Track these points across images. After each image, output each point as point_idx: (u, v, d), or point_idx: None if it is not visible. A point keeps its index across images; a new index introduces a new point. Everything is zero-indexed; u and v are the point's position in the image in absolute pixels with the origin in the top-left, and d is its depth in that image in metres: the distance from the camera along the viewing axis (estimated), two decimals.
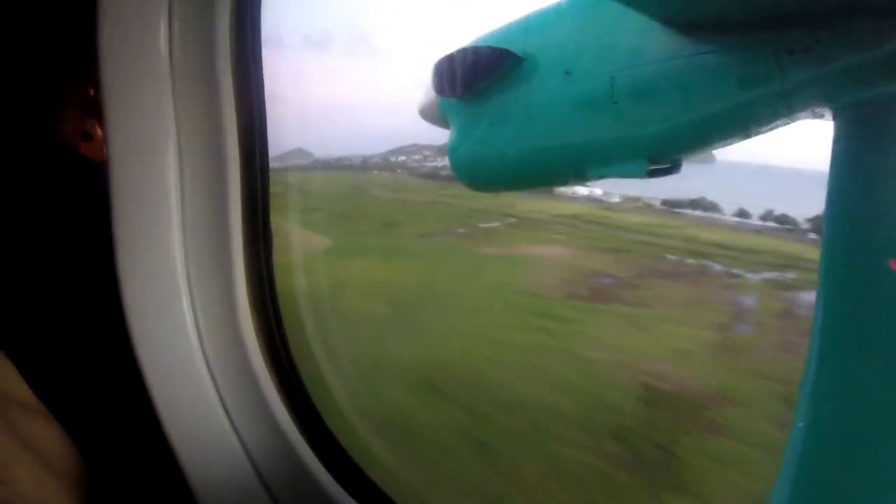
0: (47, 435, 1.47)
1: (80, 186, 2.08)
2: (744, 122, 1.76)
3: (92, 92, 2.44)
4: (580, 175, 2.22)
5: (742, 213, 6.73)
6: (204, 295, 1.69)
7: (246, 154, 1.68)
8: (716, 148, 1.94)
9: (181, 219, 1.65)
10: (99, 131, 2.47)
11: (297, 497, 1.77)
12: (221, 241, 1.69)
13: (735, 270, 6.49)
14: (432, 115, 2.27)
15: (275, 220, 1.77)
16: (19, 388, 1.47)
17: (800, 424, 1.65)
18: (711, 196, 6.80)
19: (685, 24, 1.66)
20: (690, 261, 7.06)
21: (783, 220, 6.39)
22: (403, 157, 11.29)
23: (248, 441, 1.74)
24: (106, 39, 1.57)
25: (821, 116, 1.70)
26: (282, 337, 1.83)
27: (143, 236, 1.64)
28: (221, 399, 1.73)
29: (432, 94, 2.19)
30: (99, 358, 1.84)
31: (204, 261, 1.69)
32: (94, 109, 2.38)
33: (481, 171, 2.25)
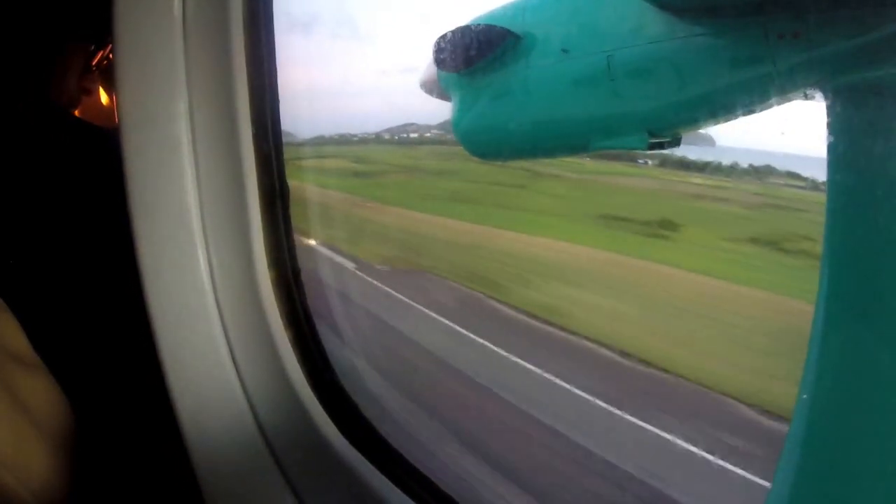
0: (41, 392, 1.43)
1: (87, 149, 2.14)
2: (737, 102, 1.79)
3: (100, 55, 2.50)
4: (582, 146, 2.28)
5: None
6: (220, 249, 1.71)
7: (258, 112, 1.70)
8: (713, 124, 1.99)
9: (195, 176, 1.68)
10: (100, 90, 2.53)
11: (303, 457, 1.76)
12: (237, 196, 1.70)
13: None
14: (434, 88, 2.34)
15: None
16: (18, 343, 1.43)
17: (804, 396, 1.70)
18: None
19: (679, 7, 1.70)
20: None
21: None
22: (416, 134, 11.18)
23: (255, 398, 1.74)
24: (120, 2, 1.60)
25: (812, 98, 1.74)
26: (300, 292, 1.84)
27: (158, 195, 1.67)
28: (232, 353, 1.74)
29: (433, 68, 2.26)
30: (110, 319, 1.90)
31: (220, 215, 1.71)
32: (95, 66, 2.44)
33: (484, 142, 2.32)
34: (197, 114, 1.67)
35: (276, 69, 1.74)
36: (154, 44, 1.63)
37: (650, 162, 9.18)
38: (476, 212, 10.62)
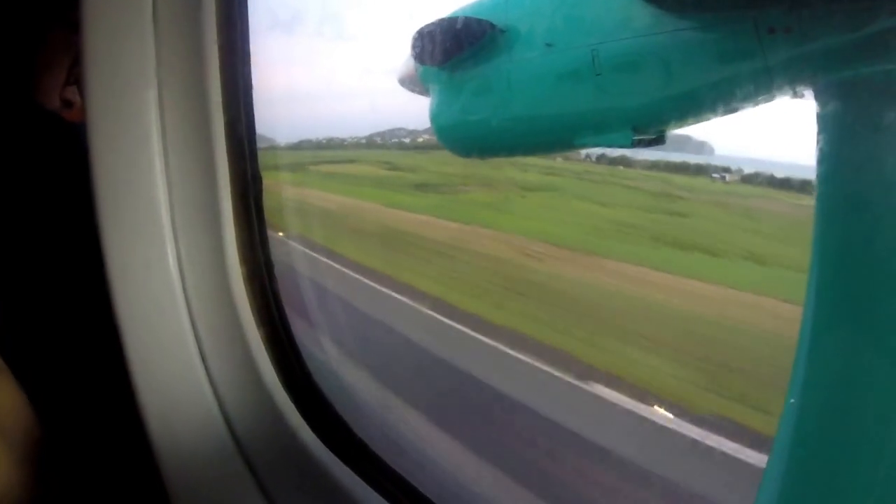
0: (2, 395, 1.39)
1: (53, 141, 2.08)
2: (725, 98, 1.76)
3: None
4: (565, 143, 2.24)
5: None
6: (189, 244, 1.66)
7: (230, 102, 1.64)
8: (700, 121, 1.95)
9: (164, 169, 1.62)
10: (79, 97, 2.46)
11: (275, 459, 1.71)
12: (208, 189, 1.65)
13: None
14: (413, 83, 2.29)
15: None
16: None
17: (791, 401, 1.67)
18: None
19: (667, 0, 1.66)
20: None
21: None
22: (407, 140, 10.83)
23: (226, 398, 1.69)
24: None
25: (801, 96, 1.70)
26: (273, 289, 1.78)
27: (126, 187, 1.61)
28: (201, 352, 1.68)
29: (412, 62, 2.20)
30: (75, 317, 1.84)
31: (190, 209, 1.65)
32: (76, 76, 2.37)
33: (464, 139, 2.27)
34: (167, 104, 1.61)
35: (249, 59, 1.69)
36: (123, 33, 1.56)
37: (727, 177, 8.63)
38: (722, 269, 7.76)
